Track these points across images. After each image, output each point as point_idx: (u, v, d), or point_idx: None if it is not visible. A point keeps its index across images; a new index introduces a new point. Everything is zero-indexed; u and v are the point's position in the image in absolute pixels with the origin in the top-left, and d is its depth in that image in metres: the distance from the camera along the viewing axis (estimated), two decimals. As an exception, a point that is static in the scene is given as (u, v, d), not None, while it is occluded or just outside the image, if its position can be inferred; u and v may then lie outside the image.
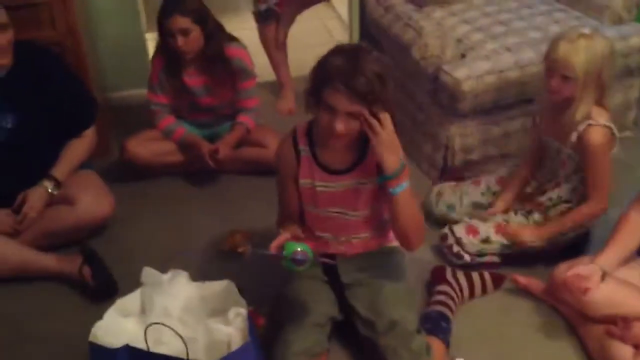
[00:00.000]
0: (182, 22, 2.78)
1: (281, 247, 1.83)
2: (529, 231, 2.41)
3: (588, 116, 2.26)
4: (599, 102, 2.28)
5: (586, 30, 2.23)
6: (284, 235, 1.86)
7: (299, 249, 1.81)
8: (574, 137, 2.29)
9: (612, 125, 2.27)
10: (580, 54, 2.18)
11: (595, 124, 2.25)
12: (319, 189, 2.03)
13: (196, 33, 2.83)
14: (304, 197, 2.08)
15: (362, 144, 1.97)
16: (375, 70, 1.79)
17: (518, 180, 2.58)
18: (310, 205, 2.08)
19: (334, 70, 1.78)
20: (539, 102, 2.51)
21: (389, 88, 1.83)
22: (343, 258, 2.13)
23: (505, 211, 2.53)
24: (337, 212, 2.06)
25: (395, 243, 2.16)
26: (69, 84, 2.63)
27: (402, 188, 1.89)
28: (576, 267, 2.05)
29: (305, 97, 1.91)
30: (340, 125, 1.81)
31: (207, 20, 2.86)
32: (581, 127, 2.27)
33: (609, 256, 2.06)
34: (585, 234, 2.51)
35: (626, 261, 2.11)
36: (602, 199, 2.32)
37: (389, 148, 1.84)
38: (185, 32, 2.80)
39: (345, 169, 2.01)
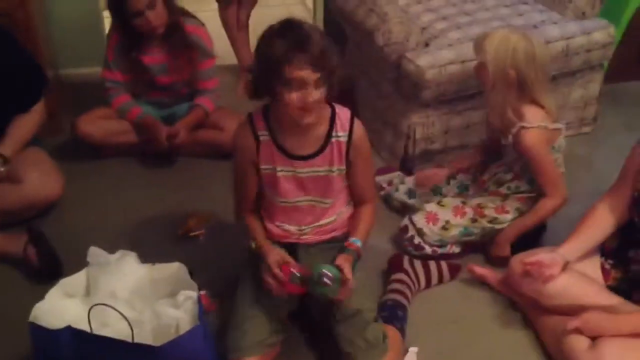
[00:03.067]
0: None
1: (309, 270, 1.88)
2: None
3: (521, 117, 2.25)
4: (535, 102, 2.27)
5: (519, 30, 2.28)
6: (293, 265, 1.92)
7: (324, 270, 1.84)
8: (510, 138, 2.30)
9: (547, 124, 2.26)
10: (493, 42, 2.21)
11: (528, 126, 2.24)
12: (279, 174, 1.96)
13: (160, 4, 2.76)
14: (267, 185, 2.02)
15: (327, 130, 1.93)
16: (319, 34, 1.81)
17: (478, 155, 2.62)
18: (276, 195, 2.01)
19: (289, 45, 1.74)
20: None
21: (334, 51, 1.83)
22: (302, 247, 2.08)
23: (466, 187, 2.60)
24: (307, 201, 2.01)
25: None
26: (14, 56, 2.51)
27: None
28: (538, 255, 2.03)
29: (253, 85, 1.89)
30: (316, 94, 1.78)
31: None
32: (514, 130, 2.27)
33: (572, 247, 2.05)
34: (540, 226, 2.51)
35: (587, 255, 2.10)
36: (559, 191, 2.32)
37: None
38: (151, 6, 2.73)
39: (309, 154, 1.95)
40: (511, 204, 2.40)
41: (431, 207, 2.46)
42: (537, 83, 2.23)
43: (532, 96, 2.25)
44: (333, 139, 1.93)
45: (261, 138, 1.95)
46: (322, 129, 1.93)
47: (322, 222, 2.06)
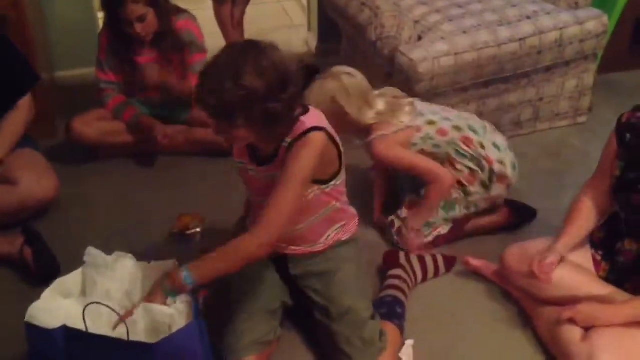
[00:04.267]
0: (137, 9, 2.72)
1: None
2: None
3: (367, 135, 2.39)
4: (385, 118, 2.37)
5: (341, 71, 2.36)
6: None
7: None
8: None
9: (384, 132, 2.36)
10: (312, 95, 2.27)
11: (369, 140, 2.38)
12: (250, 172, 1.94)
13: (151, 15, 2.77)
14: (244, 181, 2.00)
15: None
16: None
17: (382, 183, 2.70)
18: (251, 191, 2.01)
19: None
20: None
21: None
22: (291, 259, 2.06)
23: None
24: (261, 200, 1.91)
25: (345, 237, 2.07)
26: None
27: (189, 281, 1.75)
28: (539, 258, 2.02)
29: None
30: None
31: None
32: (366, 148, 2.41)
33: (566, 241, 2.05)
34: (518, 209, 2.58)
35: (579, 246, 2.11)
36: (437, 175, 2.38)
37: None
38: (141, 19, 2.74)
39: (267, 158, 1.88)
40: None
41: (409, 196, 2.50)
42: (361, 108, 2.34)
43: (362, 119, 2.35)
44: (283, 144, 1.81)
45: None
46: (282, 132, 1.80)
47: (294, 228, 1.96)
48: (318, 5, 3.94)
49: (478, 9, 3.04)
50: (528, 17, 2.97)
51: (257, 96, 1.64)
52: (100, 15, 3.63)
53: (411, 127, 2.38)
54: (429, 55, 2.76)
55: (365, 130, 2.39)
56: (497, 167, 2.41)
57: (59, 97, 3.48)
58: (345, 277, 2.03)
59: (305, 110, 1.84)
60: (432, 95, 2.87)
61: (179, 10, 2.91)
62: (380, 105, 2.39)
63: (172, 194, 2.84)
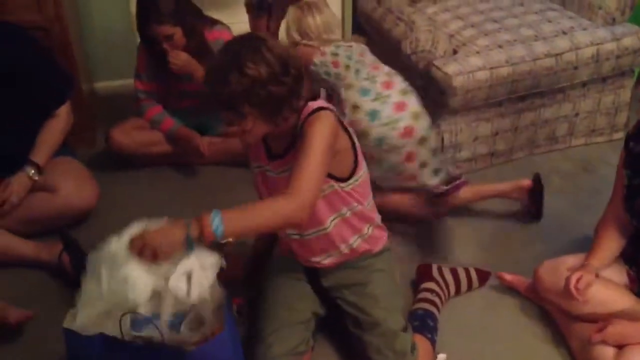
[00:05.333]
0: (163, 29, 2.76)
1: None
2: None
3: None
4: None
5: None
6: None
7: None
8: None
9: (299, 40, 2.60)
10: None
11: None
12: (268, 173, 1.95)
13: (178, 34, 2.81)
14: (262, 185, 1.99)
15: (295, 123, 1.83)
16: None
17: None
18: (266, 194, 1.99)
19: None
20: None
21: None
22: (322, 272, 2.07)
23: None
24: None
25: (375, 249, 2.07)
26: (38, 61, 2.56)
27: (218, 228, 1.62)
28: (576, 276, 1.99)
29: None
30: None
31: (185, 17, 2.81)
32: None
33: (600, 257, 2.04)
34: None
35: (612, 262, 2.09)
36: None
37: (159, 244, 1.63)
38: (169, 38, 2.79)
39: (280, 153, 1.90)
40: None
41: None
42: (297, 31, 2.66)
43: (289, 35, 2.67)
44: (296, 132, 1.82)
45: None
46: (293, 127, 1.83)
47: (308, 232, 1.97)
48: (352, 19, 3.97)
49: (513, 24, 3.04)
50: (564, 33, 2.96)
51: (260, 82, 1.67)
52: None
53: (318, 48, 2.55)
54: (464, 69, 2.76)
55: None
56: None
57: (98, 108, 3.55)
58: (377, 288, 2.04)
59: (313, 98, 1.86)
60: (466, 109, 2.87)
61: (213, 22, 2.96)
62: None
63: (207, 203, 2.83)
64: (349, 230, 1.99)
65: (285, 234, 2.04)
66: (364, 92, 2.44)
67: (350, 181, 1.92)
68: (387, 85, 2.46)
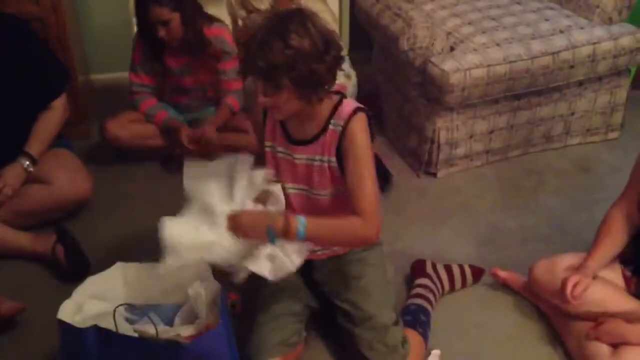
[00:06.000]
0: (160, 12, 2.74)
1: None
2: None
3: None
4: None
5: None
6: None
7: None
8: None
9: None
10: None
11: None
12: (279, 155, 1.95)
13: (176, 21, 2.79)
14: (268, 162, 1.99)
15: (327, 117, 1.85)
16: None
17: None
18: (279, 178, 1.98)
19: None
20: None
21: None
22: (316, 265, 2.07)
23: None
24: (299, 190, 1.95)
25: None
26: (35, 53, 2.56)
27: (301, 235, 1.72)
28: (573, 280, 1.98)
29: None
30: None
31: (185, 5, 2.79)
32: None
33: (598, 259, 2.03)
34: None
35: (608, 262, 2.09)
36: None
37: (248, 230, 1.75)
38: (165, 23, 2.77)
39: (305, 140, 1.89)
40: None
41: None
42: None
43: None
44: (330, 127, 1.83)
45: (268, 112, 1.93)
46: (324, 116, 1.84)
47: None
48: (349, 14, 3.96)
49: (511, 22, 3.04)
50: (561, 31, 2.96)
51: (303, 56, 1.67)
52: (135, 20, 3.71)
53: None
54: (460, 66, 2.76)
55: None
56: None
57: (93, 100, 3.54)
58: (369, 282, 2.04)
59: (338, 93, 1.87)
60: (463, 106, 2.87)
61: (212, 19, 2.95)
62: None
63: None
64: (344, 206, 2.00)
65: None
66: None
67: None
68: None
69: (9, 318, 2.17)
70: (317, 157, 1.87)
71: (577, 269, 2.01)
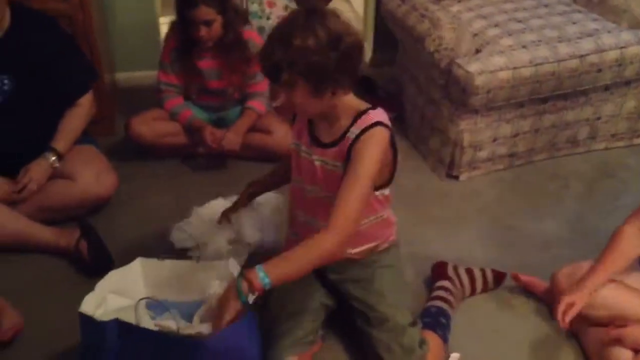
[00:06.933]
0: (207, 13, 2.77)
1: None
2: None
3: None
4: None
5: None
6: None
7: None
8: None
9: None
10: None
11: None
12: (302, 154, 1.96)
13: (218, 22, 2.83)
14: (292, 161, 2.02)
15: (349, 125, 1.84)
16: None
17: None
18: (295, 173, 2.02)
19: None
20: None
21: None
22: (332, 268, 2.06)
23: None
24: (317, 191, 1.95)
25: (383, 245, 2.08)
26: (63, 49, 2.58)
27: (267, 284, 1.69)
28: (567, 301, 1.96)
29: None
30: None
31: (229, 10, 2.85)
32: None
33: (599, 275, 1.99)
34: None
35: (631, 267, 2.06)
36: None
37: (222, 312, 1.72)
38: (208, 23, 2.80)
39: (325, 143, 1.90)
40: None
41: None
42: None
43: None
44: (348, 134, 1.83)
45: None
46: (346, 123, 1.85)
47: None
48: (374, 15, 3.96)
49: (538, 25, 3.02)
50: (589, 35, 2.93)
51: (303, 51, 1.68)
52: (162, 20, 3.74)
53: None
54: (486, 68, 2.75)
55: None
56: None
57: (119, 98, 3.57)
58: (384, 283, 2.04)
59: (374, 107, 1.86)
60: (487, 109, 2.85)
61: (247, 21, 2.97)
62: None
63: (224, 196, 2.87)
64: (372, 233, 2.02)
65: (293, 233, 2.09)
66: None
67: (380, 191, 1.95)
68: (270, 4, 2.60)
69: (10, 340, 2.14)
70: (330, 162, 1.88)
71: (576, 284, 1.99)
